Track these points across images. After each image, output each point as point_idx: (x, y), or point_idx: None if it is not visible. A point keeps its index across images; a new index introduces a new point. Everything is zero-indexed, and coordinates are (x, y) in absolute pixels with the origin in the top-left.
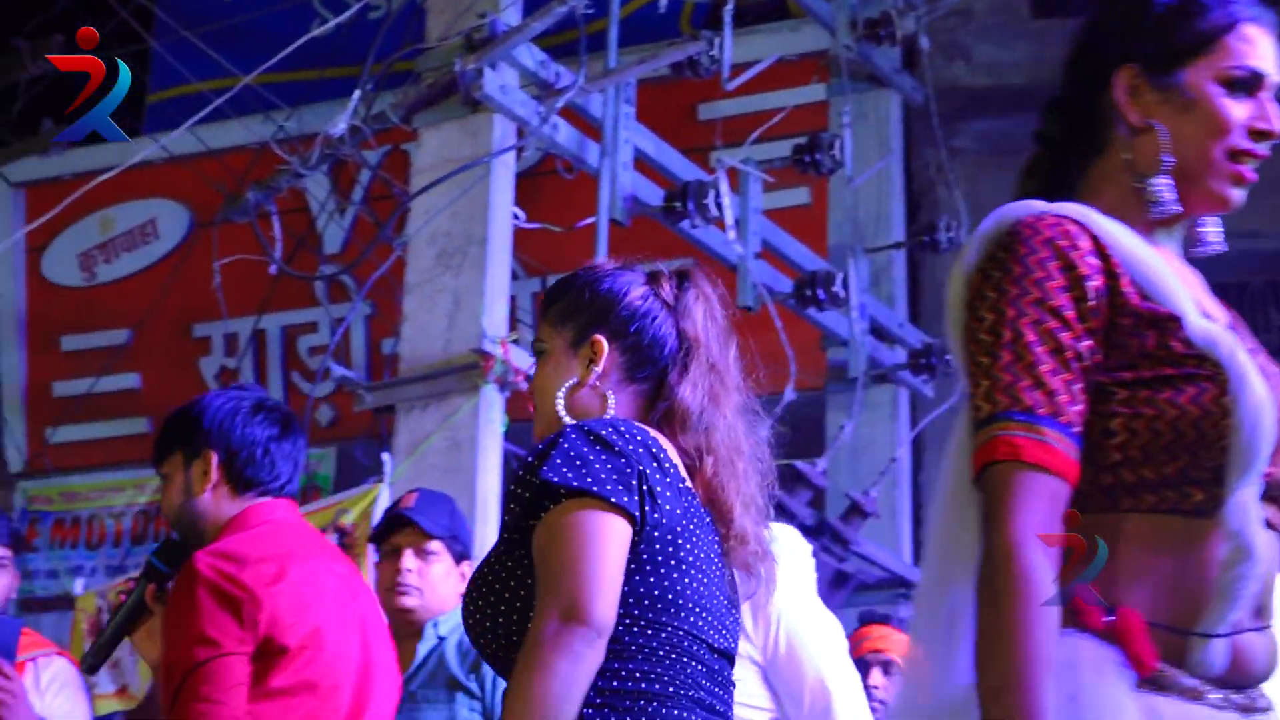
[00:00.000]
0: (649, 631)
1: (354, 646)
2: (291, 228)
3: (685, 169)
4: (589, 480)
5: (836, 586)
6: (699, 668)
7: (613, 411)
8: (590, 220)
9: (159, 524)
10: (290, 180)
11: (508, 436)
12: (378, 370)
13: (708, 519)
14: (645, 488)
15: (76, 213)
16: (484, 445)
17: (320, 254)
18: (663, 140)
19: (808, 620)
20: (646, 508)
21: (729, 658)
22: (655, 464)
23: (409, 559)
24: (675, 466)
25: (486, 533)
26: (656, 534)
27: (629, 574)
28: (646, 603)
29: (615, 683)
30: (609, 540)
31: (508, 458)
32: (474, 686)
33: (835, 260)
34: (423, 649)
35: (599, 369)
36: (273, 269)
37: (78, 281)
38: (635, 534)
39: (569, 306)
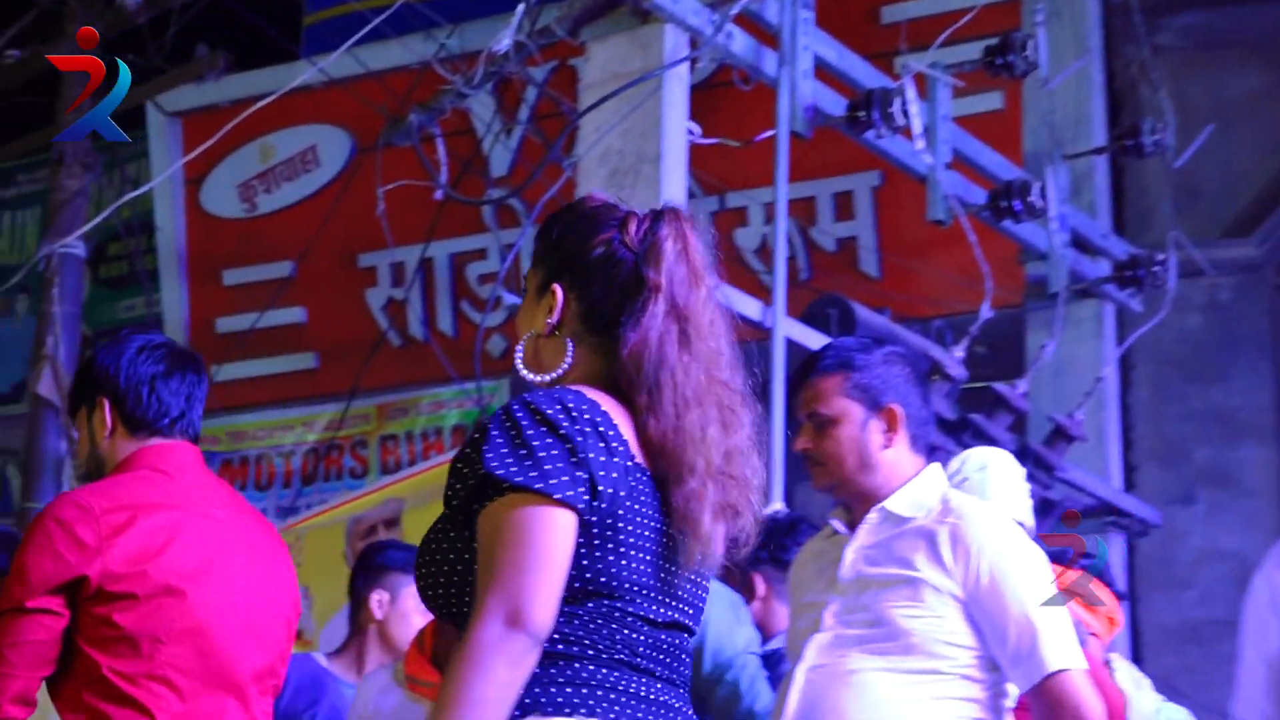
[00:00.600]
0: (572, 604)
1: (223, 594)
2: (456, 150)
3: (869, 76)
4: (533, 475)
5: (1041, 515)
6: (633, 635)
7: (567, 363)
8: (769, 134)
9: (329, 462)
10: (454, 101)
11: None
12: None
13: (655, 495)
14: (588, 475)
15: (235, 141)
16: None
17: (487, 177)
18: (844, 46)
19: (1011, 552)
20: (586, 496)
21: (681, 627)
22: (602, 444)
23: None
24: (624, 444)
25: None
26: (594, 519)
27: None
28: (577, 585)
29: None
30: (553, 540)
31: None
32: None
33: (1032, 168)
34: None
35: (553, 320)
36: (438, 194)
37: (238, 213)
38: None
39: (543, 248)
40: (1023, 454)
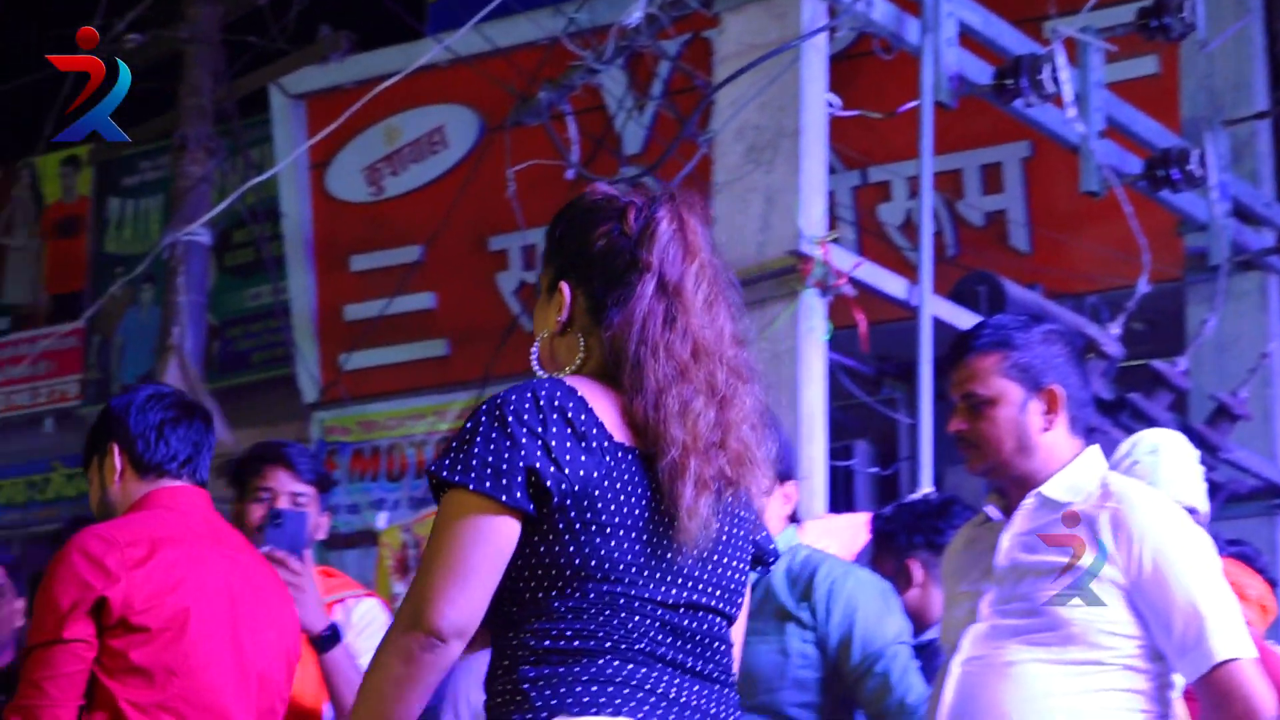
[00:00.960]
0: (575, 595)
1: (230, 630)
2: (588, 128)
3: (1016, 42)
4: (458, 470)
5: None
6: (645, 621)
7: (580, 359)
8: (912, 105)
9: None
10: (584, 77)
11: (832, 345)
12: None
13: (643, 473)
14: (543, 463)
15: (360, 123)
16: (806, 355)
17: (620, 155)
18: (990, 11)
19: (1175, 537)
20: (548, 483)
21: (706, 608)
22: (569, 429)
23: None
24: (599, 426)
25: (813, 451)
26: (569, 503)
27: (546, 548)
28: (569, 572)
29: (547, 642)
30: (471, 534)
31: (833, 368)
32: (805, 616)
33: (1190, 135)
34: None
35: (563, 318)
36: (570, 173)
37: (364, 197)
38: (540, 509)
39: (550, 247)
40: (1184, 435)
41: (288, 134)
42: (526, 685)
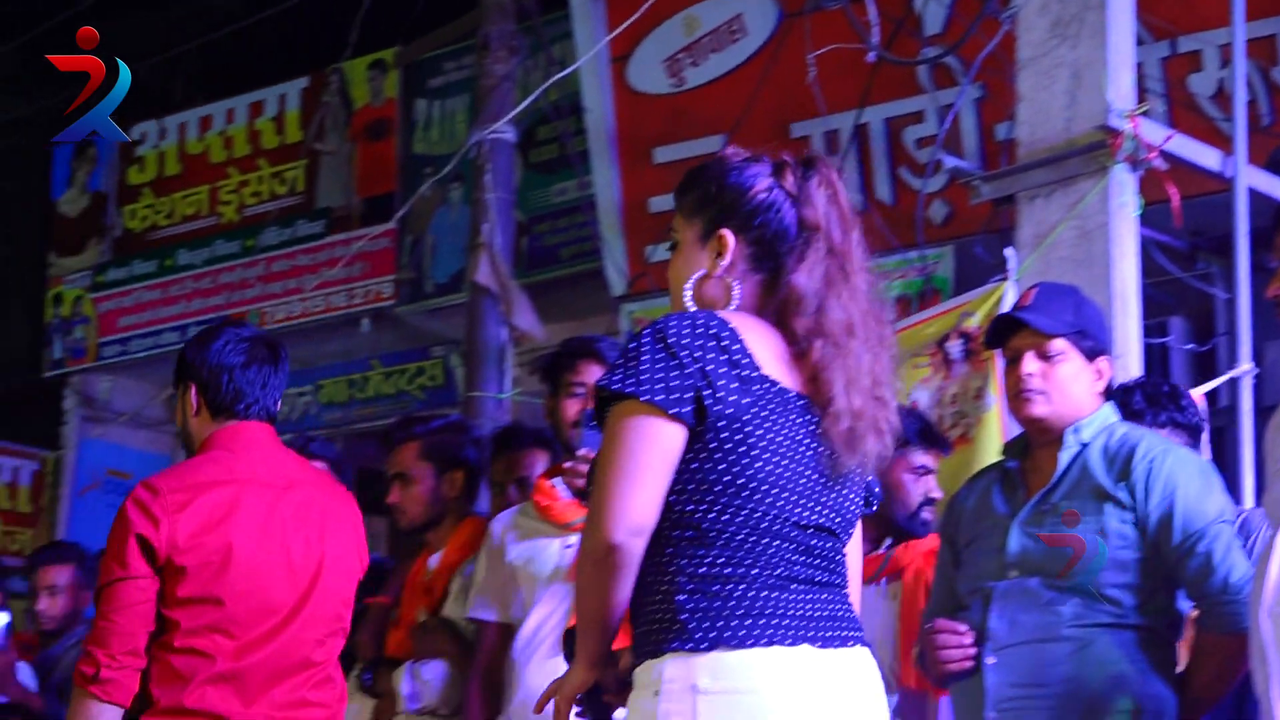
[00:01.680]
0: (725, 516)
1: (280, 554)
2: (887, 9)
3: None
4: (630, 383)
5: None
6: (785, 545)
7: (736, 302)
8: None
9: None
10: None
11: (1144, 220)
12: (993, 158)
13: (799, 401)
14: (703, 385)
15: (659, 16)
16: (1117, 232)
17: (921, 36)
18: None
19: None
20: (707, 403)
21: (829, 531)
22: (724, 356)
23: (1030, 362)
24: (749, 356)
25: (1128, 325)
26: (721, 424)
27: (699, 464)
28: (719, 488)
29: (702, 568)
30: (647, 444)
31: (1145, 244)
32: (1123, 495)
33: None
34: (1064, 457)
35: (725, 261)
36: (870, 56)
37: (665, 89)
38: (697, 427)
39: (698, 200)
40: None
41: (588, 29)
42: (685, 615)
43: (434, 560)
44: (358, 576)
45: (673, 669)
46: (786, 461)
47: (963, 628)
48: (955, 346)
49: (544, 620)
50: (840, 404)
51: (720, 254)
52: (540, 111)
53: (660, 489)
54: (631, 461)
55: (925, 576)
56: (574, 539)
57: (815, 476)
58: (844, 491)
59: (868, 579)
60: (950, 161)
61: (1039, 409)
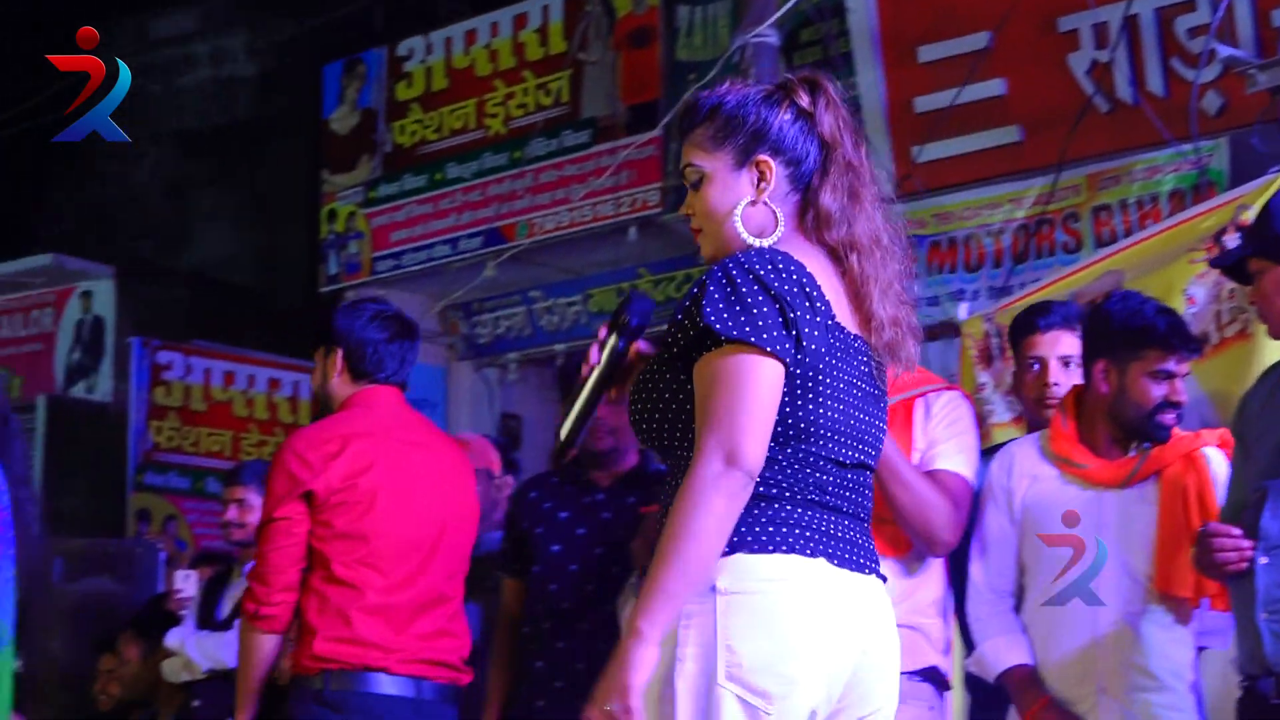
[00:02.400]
0: (783, 451)
1: (415, 500)
2: None
3: None
4: (748, 330)
5: None
6: (824, 477)
7: (782, 225)
8: None
9: (1040, 238)
10: None
11: None
12: (1269, 46)
13: (859, 344)
14: (794, 331)
15: None
16: None
17: None
18: None
19: None
20: (792, 349)
21: (865, 466)
22: (807, 303)
23: None
24: (826, 303)
25: None
26: (799, 371)
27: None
28: (779, 430)
29: None
30: (763, 387)
31: None
32: None
33: None
34: None
35: (770, 186)
36: None
37: None
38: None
39: (723, 129)
40: None
41: None
42: None
43: None
44: (475, 521)
45: None
46: (843, 407)
47: (1235, 531)
48: (1231, 240)
49: None
50: (880, 314)
51: (764, 179)
52: (803, 14)
53: (769, 435)
54: (756, 404)
55: (1183, 480)
56: None
57: (863, 417)
58: (876, 420)
59: (1121, 483)
60: (1224, 51)
61: None
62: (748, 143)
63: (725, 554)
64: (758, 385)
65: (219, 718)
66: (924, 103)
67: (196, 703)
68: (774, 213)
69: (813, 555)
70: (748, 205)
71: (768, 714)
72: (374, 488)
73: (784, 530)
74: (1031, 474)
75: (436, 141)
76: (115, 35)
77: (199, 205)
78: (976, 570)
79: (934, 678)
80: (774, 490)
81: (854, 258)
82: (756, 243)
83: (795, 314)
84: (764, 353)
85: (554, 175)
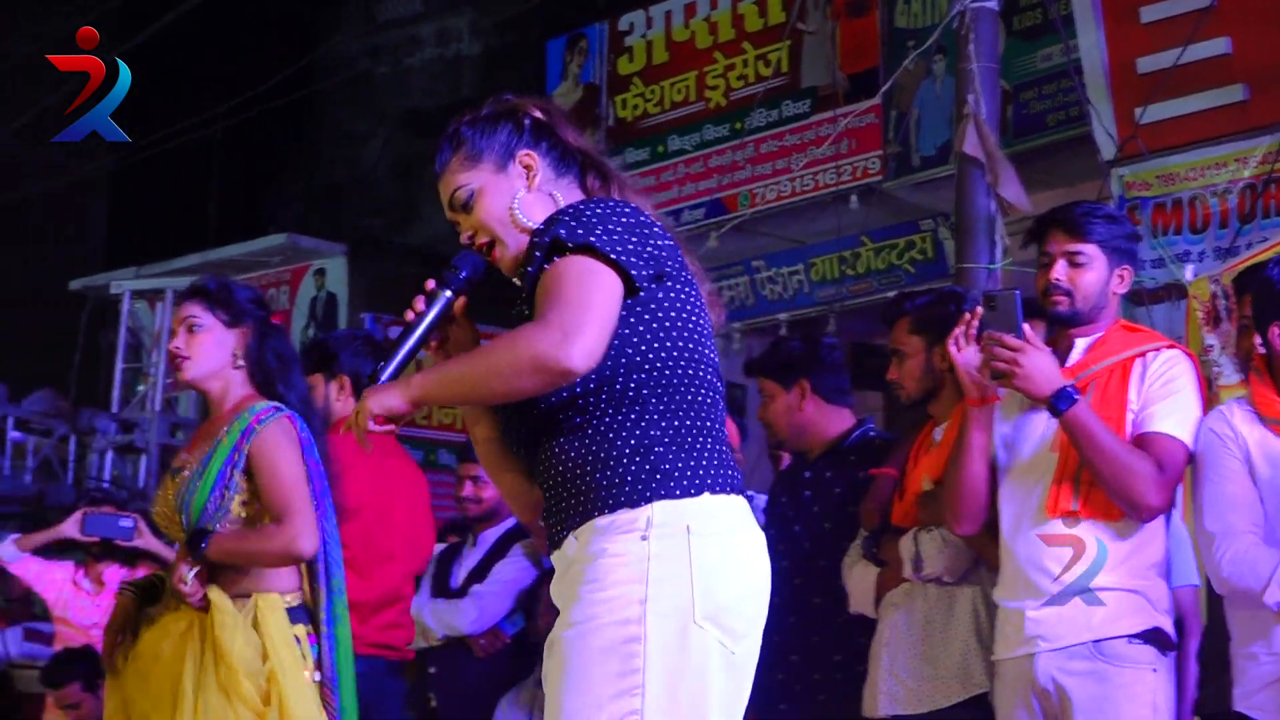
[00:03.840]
0: (659, 376)
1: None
2: None
3: None
4: (593, 240)
5: None
6: (708, 400)
7: (562, 202)
8: None
9: (1267, 198)
10: None
11: None
12: None
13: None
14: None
15: None
16: None
17: None
18: None
19: None
20: (648, 272)
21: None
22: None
23: None
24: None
25: None
26: (658, 292)
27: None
28: (652, 356)
29: (675, 424)
30: (611, 294)
31: None
32: None
33: None
34: None
35: (537, 173)
36: None
37: None
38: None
39: (473, 149)
40: None
41: None
42: (667, 466)
43: (939, 432)
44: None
45: (662, 513)
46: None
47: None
48: None
49: (1029, 491)
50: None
51: (531, 169)
52: None
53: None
54: (603, 303)
55: None
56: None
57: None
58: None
59: None
60: None
61: None
62: (500, 150)
63: (693, 495)
64: (606, 290)
65: (454, 684)
66: (1146, 63)
67: (432, 669)
68: (551, 195)
69: (740, 493)
70: (524, 195)
71: (733, 652)
72: (360, 504)
73: (726, 472)
74: (1252, 434)
75: (658, 115)
76: (343, 19)
77: (426, 183)
78: (1223, 519)
79: (1158, 639)
80: (704, 422)
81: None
82: (538, 225)
83: (655, 242)
84: (611, 264)
85: (774, 145)
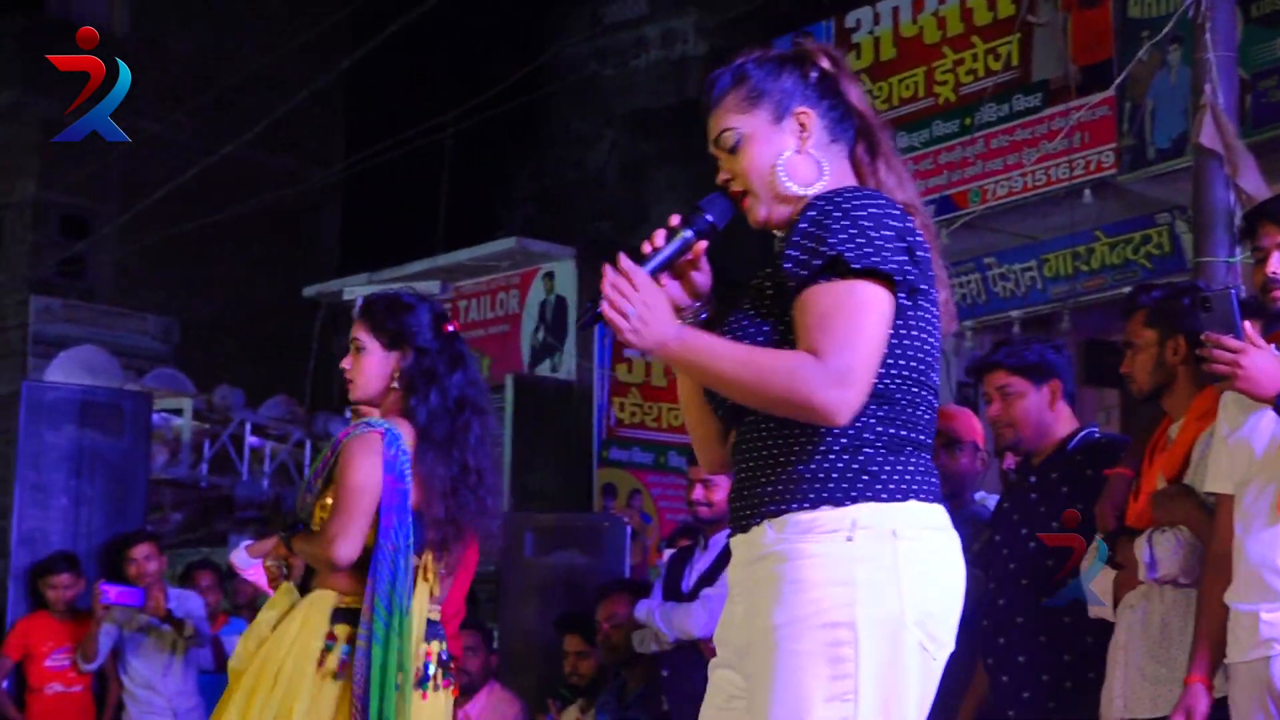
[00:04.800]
0: (903, 384)
1: None
2: None
3: None
4: (876, 261)
5: None
6: (928, 415)
7: (828, 172)
8: None
9: None
10: None
11: None
12: None
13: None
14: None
15: None
16: None
17: None
18: None
19: None
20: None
21: None
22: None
23: None
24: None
25: None
26: (909, 301)
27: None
28: (903, 365)
29: (890, 430)
30: (884, 322)
31: None
32: None
33: None
34: None
35: (811, 136)
36: None
37: None
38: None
39: (754, 91)
40: None
41: None
42: (874, 468)
43: (1174, 430)
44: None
45: (867, 515)
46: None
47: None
48: None
49: (1259, 492)
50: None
51: (805, 129)
52: None
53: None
54: (876, 339)
55: None
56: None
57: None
58: None
59: None
60: None
61: None
62: (783, 97)
63: (899, 500)
64: (883, 329)
65: (686, 688)
66: None
67: (665, 672)
68: (818, 161)
69: (943, 503)
70: (791, 155)
71: (935, 660)
72: None
73: (932, 480)
74: None
75: (886, 111)
76: (570, 22)
77: (654, 184)
78: None
79: None
80: (917, 434)
81: (917, 220)
82: (802, 191)
83: (919, 253)
84: (890, 286)
85: (1005, 140)
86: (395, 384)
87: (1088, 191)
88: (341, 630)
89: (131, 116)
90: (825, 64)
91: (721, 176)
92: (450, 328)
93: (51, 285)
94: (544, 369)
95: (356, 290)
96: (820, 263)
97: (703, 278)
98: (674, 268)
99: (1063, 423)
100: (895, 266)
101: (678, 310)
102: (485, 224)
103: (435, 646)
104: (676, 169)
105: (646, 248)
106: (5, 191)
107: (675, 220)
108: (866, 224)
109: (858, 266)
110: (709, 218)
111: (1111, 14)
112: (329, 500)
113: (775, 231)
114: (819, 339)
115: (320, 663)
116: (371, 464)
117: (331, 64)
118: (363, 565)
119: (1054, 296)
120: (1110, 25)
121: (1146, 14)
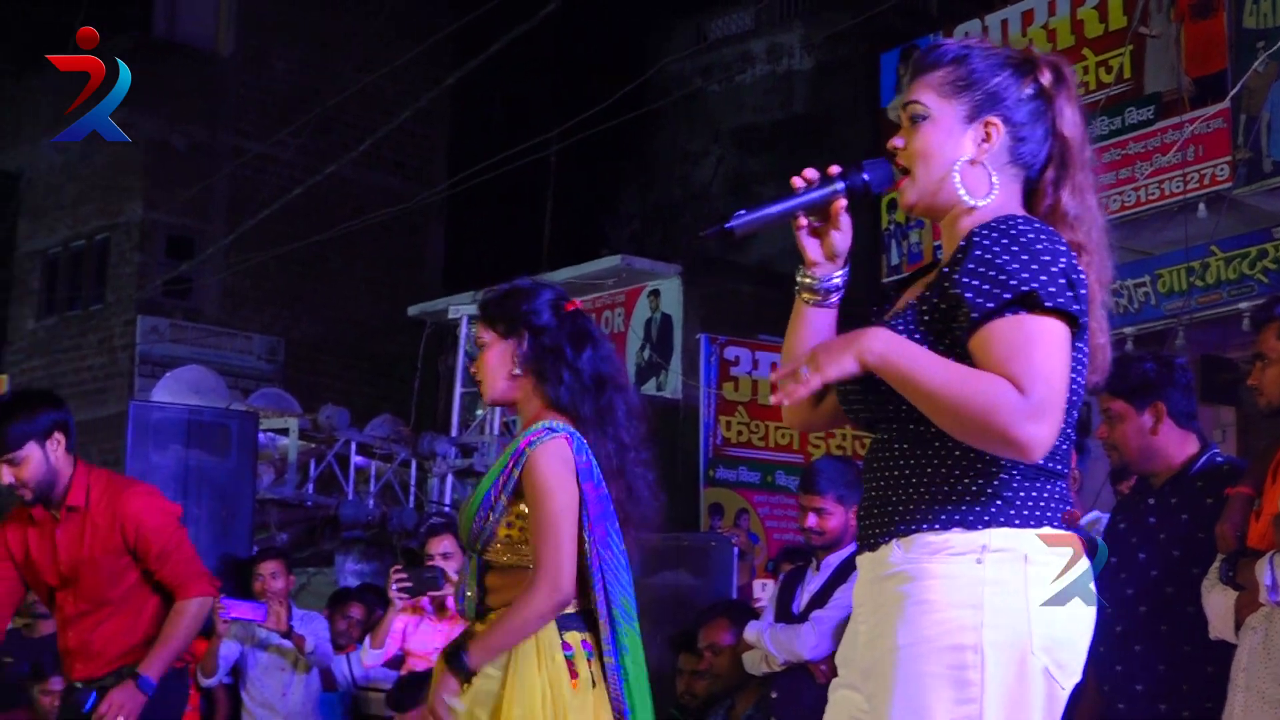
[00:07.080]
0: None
1: None
2: None
3: None
4: (1066, 299)
5: None
6: (1066, 446)
7: (997, 191)
8: None
9: None
10: None
11: None
12: None
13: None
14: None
15: None
16: None
17: None
18: None
19: None
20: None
21: None
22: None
23: None
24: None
25: None
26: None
27: None
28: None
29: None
30: (1067, 360)
31: None
32: None
33: None
34: None
35: (992, 149)
36: None
37: None
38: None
39: (964, 79)
40: None
41: None
42: (1009, 493)
43: None
44: None
45: (999, 539)
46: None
47: None
48: None
49: None
50: (1100, 314)
51: (987, 140)
52: None
53: None
54: (1067, 372)
55: None
56: None
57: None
58: None
59: None
60: None
61: None
62: (983, 100)
63: (1031, 526)
64: (1068, 359)
65: (795, 709)
66: None
67: (774, 694)
68: (990, 176)
69: (1077, 532)
70: (966, 162)
71: (1063, 688)
72: None
73: (1065, 506)
74: None
75: None
76: (675, 38)
77: (761, 199)
78: None
79: None
80: (1054, 464)
81: (1086, 260)
82: (970, 200)
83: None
84: (1075, 326)
85: (1118, 154)
86: (517, 369)
87: (1202, 205)
88: (574, 636)
89: (237, 137)
90: (1045, 79)
91: (895, 141)
92: (572, 306)
93: (158, 306)
94: (649, 388)
95: (461, 309)
96: (1010, 296)
97: (842, 239)
98: (817, 214)
99: (1174, 445)
100: (1080, 310)
101: (810, 265)
102: (590, 241)
103: (574, 637)
104: (783, 184)
105: (797, 182)
106: (112, 213)
107: (835, 170)
108: (1045, 258)
109: (1049, 305)
110: (866, 176)
111: (1226, 24)
112: (523, 508)
113: (934, 243)
114: (1017, 371)
115: (574, 674)
116: (568, 479)
117: (435, 82)
118: None
119: (1168, 312)
120: (1224, 36)
121: (1262, 24)
